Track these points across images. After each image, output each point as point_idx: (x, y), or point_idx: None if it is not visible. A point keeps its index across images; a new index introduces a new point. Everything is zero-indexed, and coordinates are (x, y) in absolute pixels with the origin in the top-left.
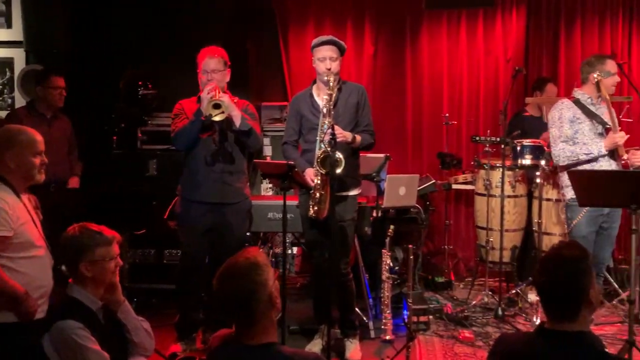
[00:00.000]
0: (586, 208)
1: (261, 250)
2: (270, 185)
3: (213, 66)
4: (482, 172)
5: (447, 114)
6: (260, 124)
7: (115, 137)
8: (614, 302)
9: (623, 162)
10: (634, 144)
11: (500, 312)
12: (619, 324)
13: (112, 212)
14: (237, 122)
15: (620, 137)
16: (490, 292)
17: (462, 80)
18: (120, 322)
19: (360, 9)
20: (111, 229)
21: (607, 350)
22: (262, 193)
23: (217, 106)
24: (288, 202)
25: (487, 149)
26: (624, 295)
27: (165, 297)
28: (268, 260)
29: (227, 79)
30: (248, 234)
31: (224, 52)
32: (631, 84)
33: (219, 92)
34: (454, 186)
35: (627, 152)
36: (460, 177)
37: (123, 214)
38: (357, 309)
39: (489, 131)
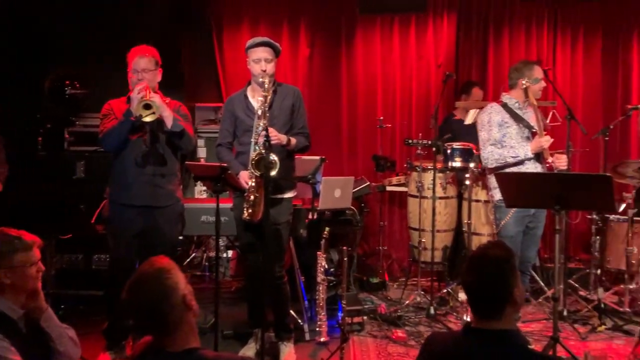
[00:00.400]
0: (513, 209)
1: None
2: (205, 188)
3: (143, 65)
4: (415, 174)
5: (381, 117)
6: (194, 125)
7: (40, 138)
8: (540, 300)
9: (548, 165)
10: (558, 147)
11: (432, 312)
12: (544, 321)
13: (37, 216)
14: (169, 123)
15: (546, 140)
16: (422, 292)
17: (395, 84)
18: (43, 330)
19: (295, 11)
20: (36, 233)
21: (532, 347)
22: (196, 196)
23: (147, 106)
24: (222, 205)
25: (419, 151)
26: (549, 293)
27: (93, 303)
28: (176, 265)
29: (159, 78)
30: (180, 237)
31: (156, 51)
32: (555, 89)
33: (149, 92)
34: (388, 188)
35: (552, 155)
36: (394, 179)
37: (49, 218)
38: (292, 312)
39: (420, 134)
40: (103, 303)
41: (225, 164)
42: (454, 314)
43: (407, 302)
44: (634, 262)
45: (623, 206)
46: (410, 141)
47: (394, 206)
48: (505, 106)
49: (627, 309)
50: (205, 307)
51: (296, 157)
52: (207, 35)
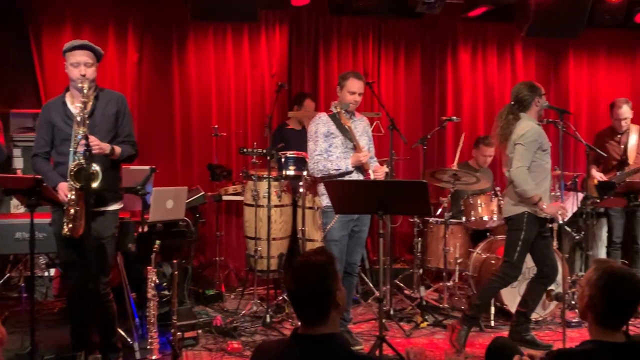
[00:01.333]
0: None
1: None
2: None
3: None
4: (250, 183)
5: (216, 126)
6: (8, 134)
7: None
8: (369, 301)
9: (367, 175)
10: (383, 156)
11: (268, 320)
12: (373, 321)
13: None
14: None
15: (364, 155)
16: (259, 301)
17: (230, 92)
18: None
19: (123, 13)
20: None
21: (361, 347)
22: (12, 210)
23: None
24: (40, 220)
25: (254, 160)
26: (378, 294)
27: None
28: None
29: None
30: None
31: None
32: (380, 102)
33: None
34: (225, 197)
35: (382, 164)
36: (231, 189)
37: None
38: (120, 331)
39: (255, 143)
40: None
41: (39, 176)
42: (290, 320)
43: (243, 312)
44: (451, 261)
45: (440, 209)
46: (245, 150)
47: (230, 215)
48: (333, 117)
49: (446, 305)
50: (23, 332)
51: (124, 167)
52: (24, 36)
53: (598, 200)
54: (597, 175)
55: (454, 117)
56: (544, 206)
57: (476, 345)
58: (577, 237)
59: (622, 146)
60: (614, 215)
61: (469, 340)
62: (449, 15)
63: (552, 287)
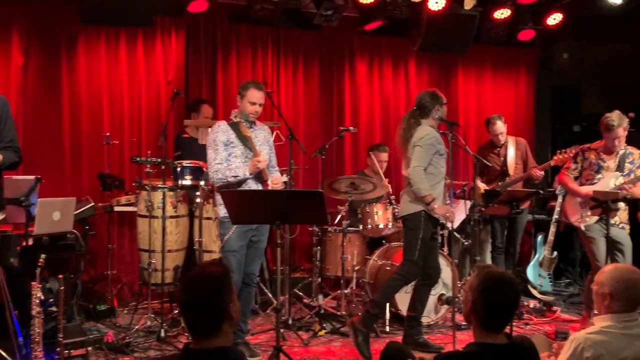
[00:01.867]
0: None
1: None
2: None
3: None
4: (144, 193)
5: (108, 134)
6: None
7: None
8: (268, 311)
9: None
10: (282, 165)
11: (162, 334)
12: (271, 332)
13: None
14: None
15: (259, 160)
16: (153, 315)
17: (123, 99)
18: None
19: (7, 15)
20: None
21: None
22: None
23: None
24: None
25: (149, 169)
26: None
27: None
28: None
29: None
30: None
31: None
32: (279, 111)
33: None
34: (117, 208)
35: (283, 174)
36: (123, 199)
37: None
38: (1, 351)
39: (149, 152)
40: None
41: None
42: (186, 334)
43: (137, 327)
44: (348, 268)
45: (338, 218)
46: (138, 159)
47: (123, 227)
48: (233, 125)
49: (344, 312)
50: None
51: (6, 176)
52: None
53: (484, 208)
54: (481, 186)
55: (351, 128)
56: (435, 206)
57: (372, 352)
58: (466, 243)
59: (502, 158)
60: (497, 221)
61: None
62: (346, 28)
63: (443, 291)
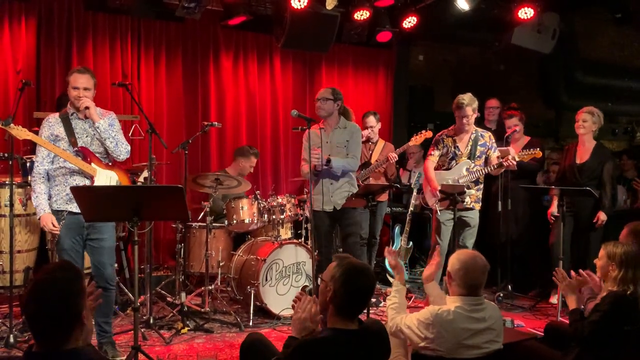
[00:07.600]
0: (62, 221)
1: None
2: None
3: None
4: None
5: None
6: None
7: None
8: (128, 311)
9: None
10: (143, 160)
11: (12, 340)
12: (132, 332)
13: None
14: None
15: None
16: (1, 320)
17: None
18: None
19: None
20: None
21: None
22: None
23: None
24: None
25: None
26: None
27: None
28: None
29: None
30: None
31: None
32: (138, 105)
33: None
34: None
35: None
36: None
37: None
38: None
39: None
40: None
41: None
42: None
43: None
44: (213, 264)
45: (202, 214)
46: None
47: None
48: (64, 118)
49: (208, 309)
50: None
51: None
52: None
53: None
54: None
55: (216, 123)
56: None
57: (235, 346)
58: None
59: (370, 151)
60: None
61: (229, 342)
62: (210, 22)
63: (306, 282)
